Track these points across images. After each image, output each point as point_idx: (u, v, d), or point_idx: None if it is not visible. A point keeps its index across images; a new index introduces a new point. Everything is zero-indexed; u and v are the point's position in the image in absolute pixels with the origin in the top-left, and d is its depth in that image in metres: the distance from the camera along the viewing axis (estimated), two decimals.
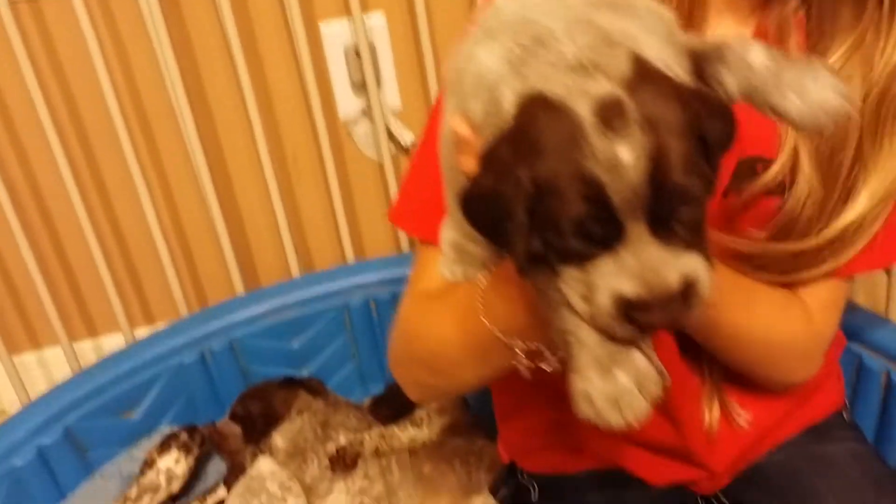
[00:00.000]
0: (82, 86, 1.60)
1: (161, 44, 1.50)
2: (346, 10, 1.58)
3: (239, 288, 1.71)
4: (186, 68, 1.57)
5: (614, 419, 0.65)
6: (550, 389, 1.11)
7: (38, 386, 1.70)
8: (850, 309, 1.17)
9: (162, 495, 1.43)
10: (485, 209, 0.66)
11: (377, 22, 1.62)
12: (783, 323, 0.98)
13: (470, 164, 0.70)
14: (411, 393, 1.03)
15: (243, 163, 1.70)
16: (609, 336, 0.66)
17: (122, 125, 1.55)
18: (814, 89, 0.69)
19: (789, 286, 0.99)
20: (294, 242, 1.70)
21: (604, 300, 0.63)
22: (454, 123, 0.72)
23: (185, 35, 1.58)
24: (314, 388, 1.57)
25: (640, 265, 0.62)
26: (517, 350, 0.81)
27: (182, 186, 1.72)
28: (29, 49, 1.48)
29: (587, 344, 0.66)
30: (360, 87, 1.65)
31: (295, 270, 1.71)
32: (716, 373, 1.04)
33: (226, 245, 1.68)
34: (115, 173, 1.67)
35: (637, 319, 0.63)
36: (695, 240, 0.64)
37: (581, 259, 0.63)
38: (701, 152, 0.63)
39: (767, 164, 0.96)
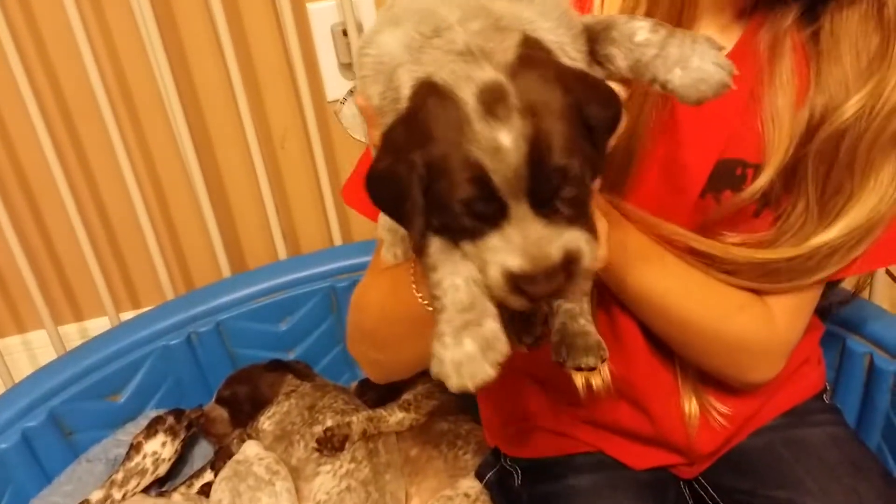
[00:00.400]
0: (68, 69, 1.58)
1: (147, 25, 1.48)
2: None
3: (226, 271, 1.70)
4: (173, 50, 1.55)
5: (455, 382, 0.68)
6: (529, 377, 1.12)
7: (23, 370, 1.69)
8: (834, 292, 1.17)
9: (148, 479, 1.42)
10: (384, 189, 0.69)
11: (364, 0, 1.61)
12: (737, 318, 1.00)
13: (374, 137, 0.74)
14: (365, 370, 1.06)
15: (230, 144, 1.69)
16: (506, 306, 0.69)
17: (107, 108, 1.53)
18: (696, 62, 0.72)
19: (756, 292, 1.00)
20: (281, 225, 1.69)
21: (494, 274, 0.67)
22: (358, 102, 0.76)
23: (170, 16, 1.57)
24: (301, 371, 1.56)
25: (524, 241, 0.65)
26: None
27: (168, 169, 1.70)
28: (13, 32, 1.46)
29: (447, 308, 0.70)
30: (347, 67, 1.64)
31: (282, 253, 1.70)
32: (691, 369, 1.06)
33: (212, 228, 1.67)
34: (100, 155, 1.66)
35: (527, 293, 0.66)
36: (578, 216, 0.67)
37: (472, 236, 0.67)
38: (584, 135, 0.67)
39: (747, 167, 0.96)
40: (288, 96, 1.66)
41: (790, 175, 0.96)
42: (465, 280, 0.70)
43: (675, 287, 0.98)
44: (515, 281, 0.66)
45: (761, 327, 1.00)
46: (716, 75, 0.72)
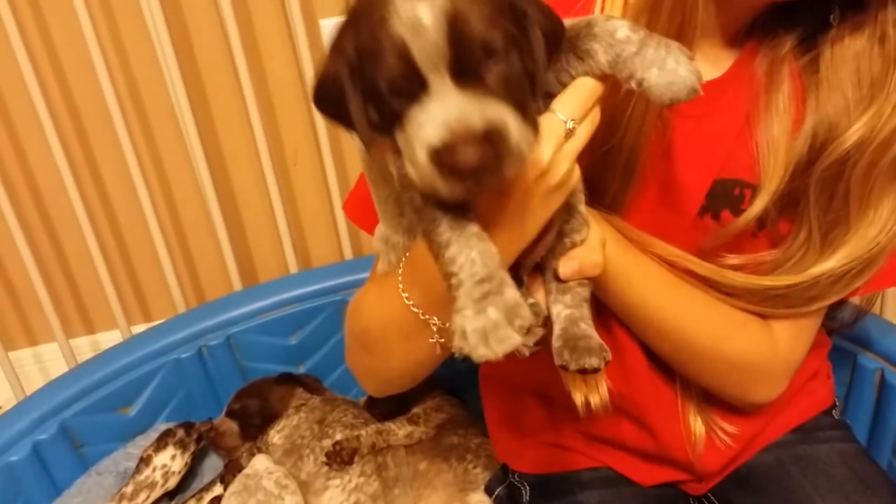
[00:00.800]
0: (81, 81, 1.60)
1: (160, 40, 1.50)
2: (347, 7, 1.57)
3: (237, 285, 1.71)
4: (186, 66, 1.57)
5: (483, 352, 0.68)
6: (533, 393, 1.12)
7: (34, 382, 1.70)
8: (845, 308, 1.17)
9: (158, 492, 1.42)
10: (327, 93, 0.72)
11: None
12: (738, 338, 1.00)
13: None
14: (361, 381, 1.06)
15: (243, 160, 1.70)
16: (437, 196, 0.69)
17: (120, 121, 1.55)
18: (672, 65, 0.75)
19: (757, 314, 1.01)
20: (292, 239, 1.70)
21: (420, 153, 0.66)
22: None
23: (184, 31, 1.58)
24: (311, 384, 1.56)
25: (445, 113, 0.65)
26: (432, 327, 0.84)
27: (181, 182, 1.72)
28: (28, 45, 1.48)
29: (464, 283, 0.70)
30: None
31: (293, 267, 1.71)
32: (694, 388, 1.06)
33: (224, 242, 1.67)
34: (113, 169, 1.67)
35: (452, 165, 0.65)
36: (504, 93, 0.68)
37: (402, 121, 0.68)
38: (513, 20, 0.69)
39: (745, 188, 0.97)
40: (301, 112, 1.67)
41: (790, 203, 0.97)
42: (479, 253, 0.71)
43: (676, 305, 0.98)
44: (440, 158, 0.65)
45: (762, 347, 1.01)
46: (688, 80, 0.75)
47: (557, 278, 0.86)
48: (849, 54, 0.93)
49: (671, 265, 0.98)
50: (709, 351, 1.00)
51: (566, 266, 0.85)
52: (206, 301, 1.81)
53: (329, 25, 1.61)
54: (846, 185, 0.93)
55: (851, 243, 0.94)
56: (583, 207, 0.86)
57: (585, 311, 0.87)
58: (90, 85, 1.54)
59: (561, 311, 0.87)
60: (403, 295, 0.85)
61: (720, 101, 0.98)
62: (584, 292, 0.87)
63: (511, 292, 0.70)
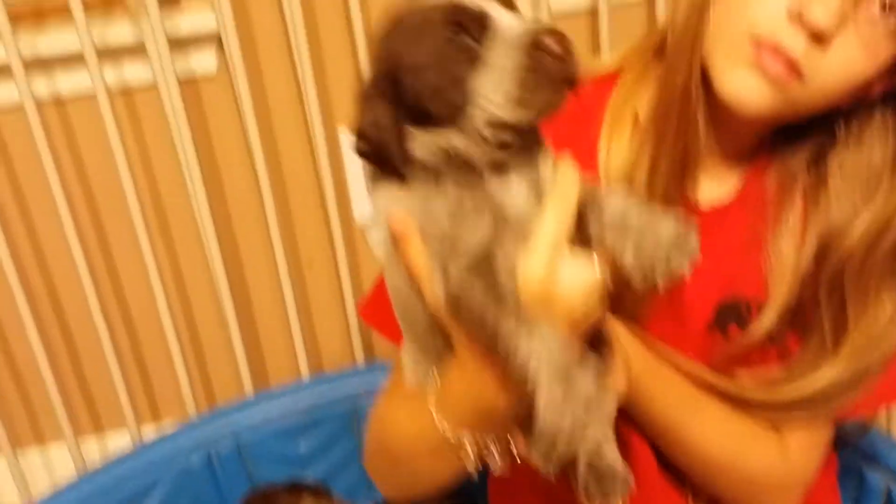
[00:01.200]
0: (101, 178, 1.61)
1: (182, 140, 1.52)
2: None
3: (248, 387, 1.70)
4: (206, 167, 1.59)
5: (582, 421, 0.68)
6: (541, 483, 1.11)
7: (41, 483, 1.68)
8: (852, 423, 1.17)
9: None
10: (366, 139, 0.72)
11: None
12: (754, 452, 1.00)
13: (410, 254, 0.74)
14: (379, 486, 1.04)
15: (259, 262, 1.71)
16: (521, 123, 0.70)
17: (139, 219, 1.56)
18: (652, 246, 0.71)
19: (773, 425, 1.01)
20: (305, 343, 1.70)
21: (508, 62, 0.68)
22: (390, 219, 0.76)
23: (205, 131, 1.61)
24: (320, 492, 1.54)
25: (519, 22, 0.69)
26: (466, 446, 0.83)
27: (196, 283, 1.72)
28: (51, 144, 1.50)
29: (543, 357, 0.68)
30: None
31: (305, 371, 1.71)
32: (701, 495, 1.05)
33: (237, 344, 1.67)
34: (130, 267, 1.68)
35: (549, 53, 0.67)
36: None
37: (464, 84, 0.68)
38: None
39: (751, 306, 0.98)
40: (317, 218, 1.69)
41: (798, 315, 0.97)
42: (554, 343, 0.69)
43: (697, 422, 0.98)
44: (531, 55, 0.66)
45: (777, 462, 1.00)
46: (669, 264, 0.71)
47: None
48: (858, 163, 0.95)
49: (686, 376, 0.98)
50: (726, 465, 0.99)
51: None
52: (216, 400, 1.80)
53: (348, 132, 1.64)
54: (849, 284, 0.93)
55: (858, 344, 0.94)
56: (606, 328, 0.85)
57: (609, 431, 0.87)
58: (109, 181, 1.56)
59: (586, 434, 0.86)
60: (438, 417, 0.83)
61: (728, 220, 0.99)
62: (610, 406, 0.85)
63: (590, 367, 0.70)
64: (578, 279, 0.74)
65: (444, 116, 0.70)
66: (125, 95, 1.56)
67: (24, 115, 1.46)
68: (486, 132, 0.70)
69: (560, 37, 0.67)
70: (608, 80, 1.02)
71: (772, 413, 0.99)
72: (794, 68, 0.85)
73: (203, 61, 1.55)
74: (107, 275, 1.70)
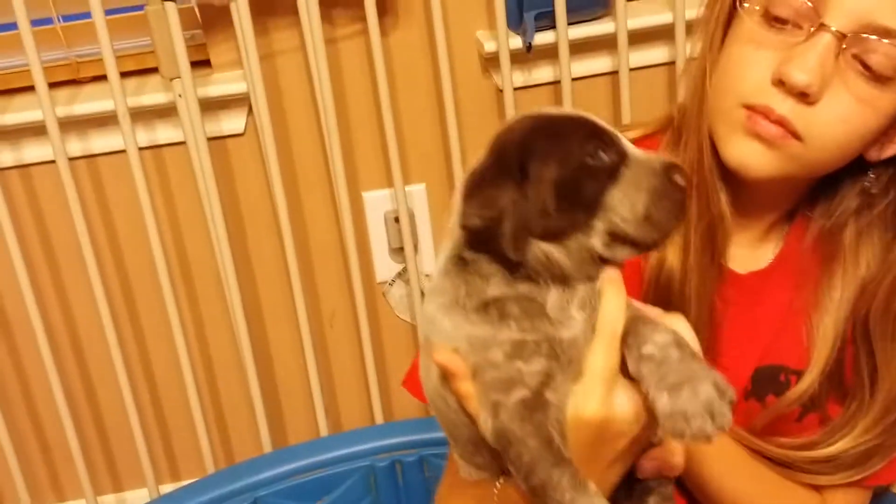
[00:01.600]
0: (129, 236, 1.65)
1: (210, 199, 1.56)
2: (389, 182, 1.65)
3: (267, 445, 1.70)
4: (232, 224, 1.62)
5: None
6: None
7: None
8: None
9: None
10: (485, 217, 0.71)
11: (417, 189, 1.68)
12: None
13: (462, 389, 0.74)
14: None
15: (280, 320, 1.73)
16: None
17: (165, 276, 1.59)
18: (687, 399, 0.68)
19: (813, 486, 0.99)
20: (325, 402, 1.71)
21: (650, 182, 0.71)
22: (440, 358, 0.75)
23: (232, 192, 1.65)
24: None
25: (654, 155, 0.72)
26: None
27: (219, 342, 1.74)
28: (82, 199, 1.54)
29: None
30: (397, 252, 1.70)
31: (323, 430, 1.71)
32: None
33: (257, 403, 1.68)
34: (154, 325, 1.71)
35: (679, 178, 0.72)
36: None
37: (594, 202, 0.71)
38: None
39: (790, 374, 0.98)
40: (339, 277, 1.71)
41: (836, 375, 0.96)
42: None
43: (748, 487, 0.98)
44: (669, 175, 0.71)
45: None
46: (698, 422, 0.68)
47: (636, 479, 0.83)
48: (886, 215, 0.95)
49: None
50: None
51: (646, 466, 0.82)
52: (235, 458, 1.80)
53: (371, 197, 1.68)
54: (876, 330, 0.94)
55: (891, 391, 0.94)
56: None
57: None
58: (138, 240, 1.59)
59: None
60: None
61: (767, 285, 0.99)
62: (667, 490, 0.84)
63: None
64: (629, 407, 0.74)
65: (563, 226, 0.71)
66: (155, 153, 1.61)
67: (56, 170, 1.50)
68: (603, 245, 0.72)
69: (685, 173, 0.72)
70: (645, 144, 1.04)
71: (813, 474, 0.98)
72: (788, 128, 0.86)
73: (232, 122, 1.61)
74: (131, 332, 1.72)
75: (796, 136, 0.86)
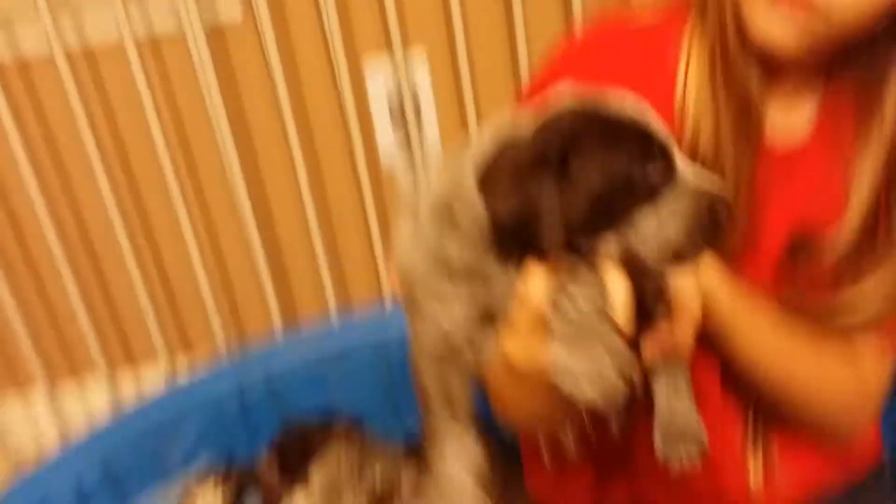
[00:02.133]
0: (129, 120, 1.63)
1: (210, 90, 1.54)
2: (388, 48, 1.61)
3: (276, 320, 1.72)
4: (232, 112, 1.60)
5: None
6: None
7: (77, 415, 1.73)
8: None
9: None
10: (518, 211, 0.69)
11: (418, 59, 1.64)
12: (833, 378, 1.00)
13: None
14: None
15: (286, 201, 1.73)
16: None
17: (167, 161, 1.59)
18: (588, 360, 0.70)
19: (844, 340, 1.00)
20: (332, 279, 1.72)
21: (688, 209, 0.70)
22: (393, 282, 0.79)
23: (233, 83, 1.62)
24: (351, 429, 1.57)
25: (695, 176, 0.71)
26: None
27: (225, 224, 1.75)
28: (81, 93, 1.53)
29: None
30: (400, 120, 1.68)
31: (332, 305, 1.72)
32: (761, 429, 1.05)
33: (265, 277, 1.71)
34: (159, 207, 1.71)
35: (718, 210, 0.71)
36: None
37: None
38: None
39: (826, 228, 0.97)
40: (343, 157, 1.70)
41: (871, 230, 0.96)
42: None
43: (784, 351, 0.98)
44: (711, 206, 0.69)
45: (852, 384, 1.01)
46: (598, 384, 0.70)
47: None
48: None
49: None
50: (810, 392, 1.00)
51: (648, 355, 0.82)
52: (247, 333, 1.84)
53: (372, 66, 1.62)
54: None
55: None
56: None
57: (682, 382, 0.87)
58: (138, 125, 1.58)
59: (661, 381, 0.86)
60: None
61: (803, 162, 0.98)
62: (685, 352, 0.85)
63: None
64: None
65: (584, 228, 0.69)
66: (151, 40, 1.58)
67: (54, 67, 1.49)
68: (611, 252, 0.71)
69: (731, 210, 0.69)
70: (679, 18, 1.00)
71: (846, 317, 0.97)
72: (804, 4, 0.85)
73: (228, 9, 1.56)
74: (136, 215, 1.72)
75: (812, 9, 0.85)
